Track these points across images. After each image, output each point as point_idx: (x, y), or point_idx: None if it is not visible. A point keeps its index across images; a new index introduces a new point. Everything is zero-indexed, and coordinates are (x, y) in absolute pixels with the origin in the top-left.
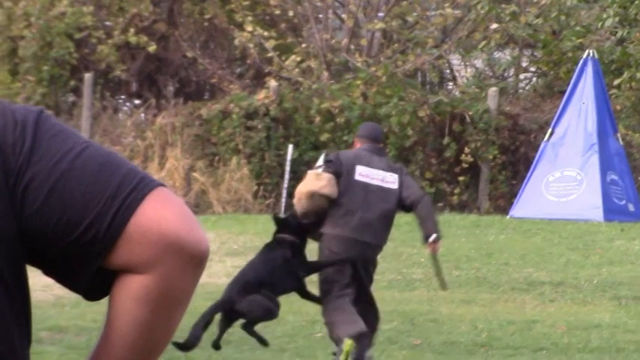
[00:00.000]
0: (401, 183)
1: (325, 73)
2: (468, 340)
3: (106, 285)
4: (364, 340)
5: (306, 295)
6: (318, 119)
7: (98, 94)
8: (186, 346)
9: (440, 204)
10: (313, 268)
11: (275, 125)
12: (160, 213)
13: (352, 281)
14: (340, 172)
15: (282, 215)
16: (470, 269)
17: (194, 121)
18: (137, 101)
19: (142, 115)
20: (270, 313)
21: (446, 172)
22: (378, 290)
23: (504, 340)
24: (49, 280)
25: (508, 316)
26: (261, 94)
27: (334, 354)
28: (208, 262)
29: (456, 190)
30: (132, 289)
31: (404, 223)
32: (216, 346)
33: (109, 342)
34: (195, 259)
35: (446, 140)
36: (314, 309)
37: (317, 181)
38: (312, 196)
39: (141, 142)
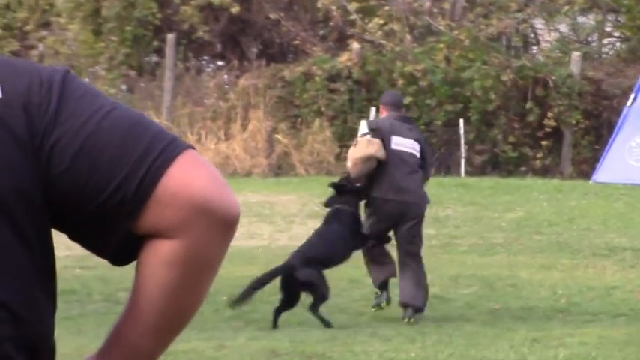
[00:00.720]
0: (423, 152)
1: (408, 37)
2: (546, 305)
3: (134, 250)
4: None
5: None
6: (400, 82)
7: (181, 55)
8: (236, 301)
9: (522, 168)
10: (364, 240)
11: (358, 88)
12: (190, 176)
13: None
14: (382, 140)
15: (337, 181)
16: (551, 234)
17: (277, 83)
18: (220, 62)
19: (225, 76)
20: (323, 295)
21: (528, 136)
22: (459, 254)
23: (583, 306)
24: None
25: (588, 281)
26: (344, 57)
27: (376, 293)
28: (290, 224)
29: (539, 155)
30: (161, 253)
31: (486, 187)
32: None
33: (137, 307)
34: (225, 224)
35: (529, 105)
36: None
37: (370, 146)
38: (369, 159)
39: (223, 104)
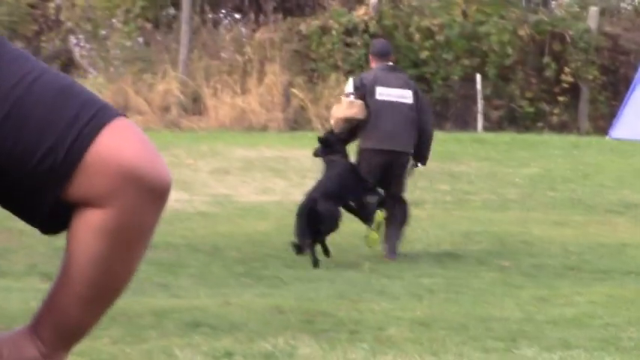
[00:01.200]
0: (417, 100)
1: None
2: (557, 262)
3: (65, 219)
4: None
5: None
6: (417, 37)
7: (198, 9)
8: (300, 249)
9: (539, 124)
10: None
11: None
12: (120, 143)
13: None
14: (365, 96)
15: (322, 134)
16: (565, 190)
17: (293, 37)
18: (237, 15)
19: (243, 30)
20: (337, 226)
21: (546, 91)
22: (471, 210)
23: (594, 263)
24: None
25: (600, 238)
26: (360, 11)
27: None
28: (305, 179)
29: (556, 110)
30: (90, 222)
31: (502, 142)
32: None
33: (68, 277)
34: (155, 192)
35: (546, 60)
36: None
37: (351, 108)
38: (348, 120)
39: (240, 58)
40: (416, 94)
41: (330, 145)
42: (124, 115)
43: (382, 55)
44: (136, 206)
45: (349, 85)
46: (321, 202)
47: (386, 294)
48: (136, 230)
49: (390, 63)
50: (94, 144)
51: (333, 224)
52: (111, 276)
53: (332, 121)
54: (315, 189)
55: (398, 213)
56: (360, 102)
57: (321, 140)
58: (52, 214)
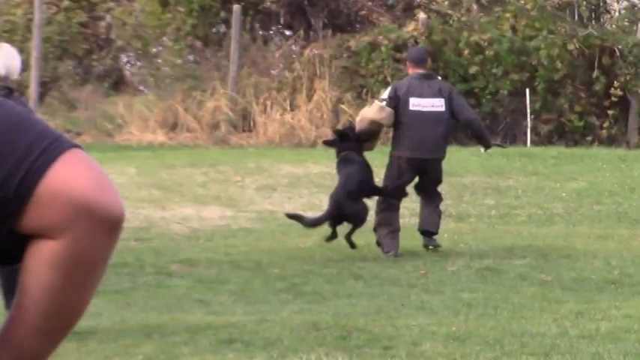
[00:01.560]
0: (451, 104)
1: (475, 6)
2: (599, 276)
3: (20, 250)
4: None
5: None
6: (466, 52)
7: (248, 26)
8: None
9: (589, 138)
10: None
11: None
12: (72, 175)
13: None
14: (398, 106)
15: (339, 130)
16: (611, 204)
17: (342, 53)
18: (287, 32)
19: (294, 47)
20: (364, 221)
21: (595, 105)
22: (516, 225)
23: (636, 277)
24: (186, 213)
25: None
26: (410, 27)
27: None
28: None
29: (605, 124)
30: (43, 254)
31: (550, 157)
32: (331, 238)
33: (22, 308)
34: (107, 224)
35: (595, 74)
36: (448, 244)
37: (381, 112)
38: (374, 123)
39: (289, 74)
40: (450, 98)
41: (347, 140)
42: (79, 147)
43: (418, 62)
44: (88, 238)
45: (386, 92)
46: (346, 205)
47: (424, 309)
48: (89, 261)
49: (425, 71)
50: (46, 177)
51: (361, 221)
52: (65, 307)
53: (357, 119)
54: (338, 192)
55: (433, 206)
56: (390, 110)
57: (339, 133)
58: (6, 245)
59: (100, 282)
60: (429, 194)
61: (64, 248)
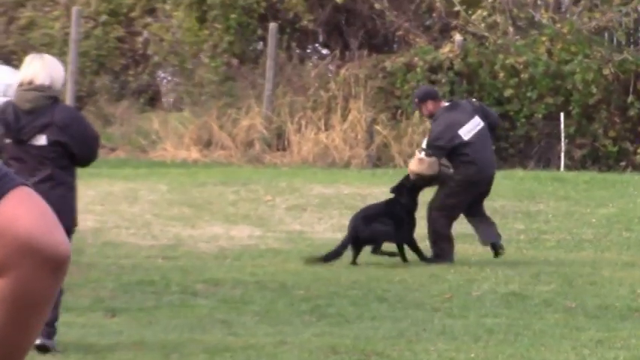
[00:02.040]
0: (483, 115)
1: (511, 29)
2: (623, 304)
3: None
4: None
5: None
6: (502, 75)
7: (285, 44)
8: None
9: (622, 163)
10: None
11: (459, 79)
12: (16, 213)
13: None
14: (450, 150)
15: (395, 185)
16: None
17: (378, 74)
18: (324, 51)
19: (330, 66)
20: (388, 234)
21: (630, 130)
22: (545, 250)
23: None
24: (215, 232)
25: None
26: (445, 48)
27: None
28: None
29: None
30: None
31: (582, 182)
32: (354, 262)
33: None
34: (51, 263)
35: (630, 99)
36: (475, 268)
37: (420, 164)
38: (417, 175)
39: (324, 94)
40: (482, 111)
41: (402, 191)
42: (26, 185)
43: (437, 96)
44: (31, 276)
45: (423, 143)
46: (362, 230)
47: (445, 334)
48: (33, 300)
49: (447, 101)
50: None
51: (380, 236)
52: (7, 345)
53: (410, 172)
54: (356, 216)
55: (486, 217)
56: (430, 160)
57: (393, 190)
58: None
59: (43, 320)
60: (482, 208)
61: (8, 286)
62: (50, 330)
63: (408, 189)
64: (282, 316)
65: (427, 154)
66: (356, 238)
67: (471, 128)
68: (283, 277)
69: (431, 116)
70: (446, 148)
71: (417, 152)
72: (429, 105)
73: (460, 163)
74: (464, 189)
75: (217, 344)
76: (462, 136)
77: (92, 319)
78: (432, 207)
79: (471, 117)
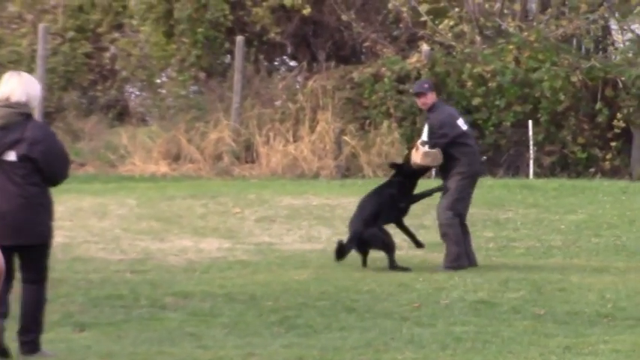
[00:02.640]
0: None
1: (478, 38)
2: (592, 310)
3: None
4: None
5: (402, 227)
6: (470, 84)
7: (252, 57)
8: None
9: (592, 170)
10: (413, 199)
11: None
12: None
13: None
14: (452, 139)
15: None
16: (609, 237)
17: (345, 85)
18: (292, 63)
19: (298, 78)
20: (388, 245)
21: (598, 137)
22: (514, 257)
23: (628, 311)
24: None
25: (638, 285)
26: (413, 58)
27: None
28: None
29: (608, 156)
30: None
31: (551, 189)
32: (364, 263)
33: None
34: None
35: (598, 106)
36: (443, 276)
37: (425, 157)
38: (422, 167)
39: (292, 105)
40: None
41: (401, 172)
42: None
43: (436, 90)
44: None
45: (424, 135)
46: (364, 231)
47: (414, 343)
48: None
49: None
50: None
51: (380, 244)
52: None
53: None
54: (355, 218)
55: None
56: (434, 151)
57: (394, 166)
58: None
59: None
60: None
61: None
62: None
63: (407, 171)
64: (251, 327)
65: (430, 146)
66: (359, 242)
67: (463, 121)
68: (252, 288)
69: (429, 108)
70: (450, 135)
71: (419, 146)
72: (432, 96)
73: (462, 154)
74: (471, 180)
75: (186, 357)
76: (461, 126)
77: (61, 333)
78: (443, 207)
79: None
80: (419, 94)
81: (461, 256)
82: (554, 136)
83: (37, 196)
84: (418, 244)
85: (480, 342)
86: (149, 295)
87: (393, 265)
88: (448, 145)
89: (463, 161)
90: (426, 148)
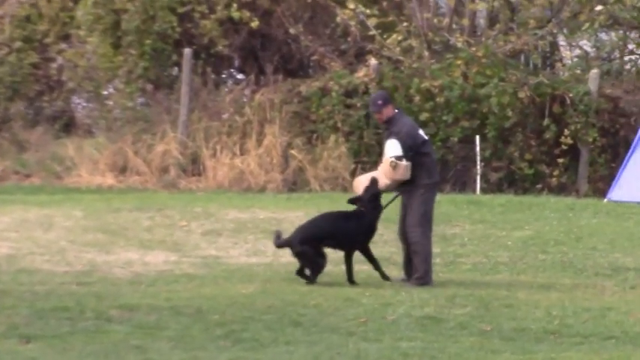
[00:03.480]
0: None
1: (426, 52)
2: (539, 327)
3: None
4: None
5: (367, 255)
6: (417, 98)
7: (200, 69)
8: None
9: (539, 186)
10: (372, 232)
11: None
12: None
13: None
14: (417, 148)
15: (354, 195)
16: (556, 253)
17: (293, 98)
18: (240, 76)
19: (246, 91)
20: (317, 267)
21: (545, 153)
22: (461, 273)
23: (575, 328)
24: (130, 257)
25: (585, 302)
26: (361, 72)
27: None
28: None
29: (555, 172)
30: None
31: (498, 205)
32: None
33: None
34: None
35: (546, 122)
36: (390, 291)
37: (396, 171)
38: (397, 182)
39: (239, 118)
40: None
41: (362, 200)
42: None
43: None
44: None
45: (398, 148)
46: (295, 246)
47: (360, 358)
48: None
49: None
50: None
51: (307, 263)
52: None
53: (387, 182)
54: (299, 230)
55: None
56: (405, 164)
57: (353, 201)
58: None
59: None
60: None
61: None
62: None
63: (370, 197)
64: (197, 341)
65: (398, 159)
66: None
67: (422, 131)
68: (198, 302)
69: (387, 121)
70: (417, 144)
71: (396, 162)
72: (390, 109)
73: (423, 164)
74: (433, 192)
75: None
76: (422, 135)
77: (6, 345)
78: (410, 224)
79: None
80: (374, 112)
81: (428, 273)
82: (502, 152)
83: None
84: (384, 276)
85: (427, 358)
86: (95, 307)
87: (307, 277)
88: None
89: (424, 172)
90: (404, 162)
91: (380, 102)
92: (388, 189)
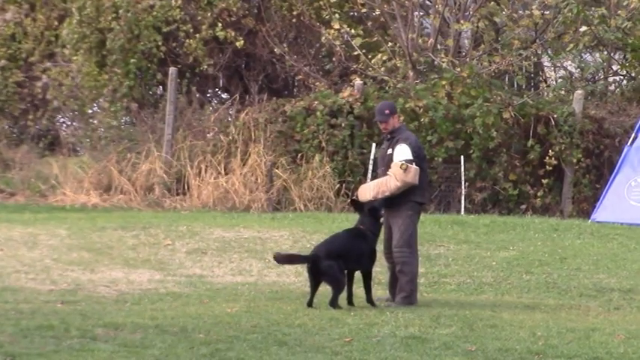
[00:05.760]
0: None
1: (411, 73)
2: (523, 347)
3: None
4: None
5: (366, 281)
6: (402, 118)
7: (185, 89)
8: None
9: (523, 206)
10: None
11: (359, 124)
12: None
13: None
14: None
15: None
16: (541, 274)
17: (278, 118)
18: (225, 95)
19: (231, 110)
20: (340, 285)
21: (529, 174)
22: (445, 293)
23: (560, 349)
24: (115, 276)
25: (569, 323)
26: (345, 92)
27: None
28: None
29: (540, 193)
30: None
31: (482, 225)
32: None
33: None
34: None
35: (530, 142)
36: (375, 311)
37: (407, 174)
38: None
39: (224, 138)
40: None
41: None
42: None
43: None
44: None
45: (408, 152)
46: (323, 259)
47: None
48: None
49: None
50: None
51: (333, 279)
52: None
53: (398, 184)
54: (323, 244)
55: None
56: (415, 167)
57: (357, 206)
58: None
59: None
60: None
61: None
62: None
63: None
64: (182, 359)
65: (409, 162)
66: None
67: None
68: (183, 321)
69: (392, 131)
70: (420, 157)
71: (407, 165)
72: (396, 119)
73: (419, 182)
74: (419, 213)
75: None
76: (424, 151)
77: None
78: (398, 245)
79: None
80: (381, 122)
81: (414, 293)
82: (486, 172)
83: None
84: (371, 302)
85: None
86: (80, 325)
87: (333, 303)
88: None
89: (418, 189)
90: (414, 166)
91: (387, 111)
92: (398, 192)
